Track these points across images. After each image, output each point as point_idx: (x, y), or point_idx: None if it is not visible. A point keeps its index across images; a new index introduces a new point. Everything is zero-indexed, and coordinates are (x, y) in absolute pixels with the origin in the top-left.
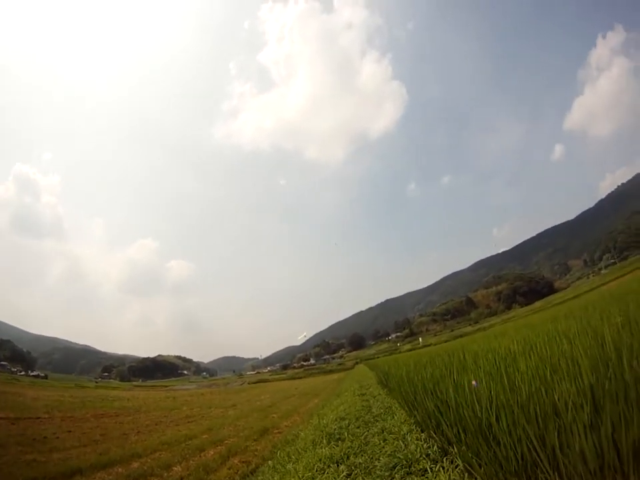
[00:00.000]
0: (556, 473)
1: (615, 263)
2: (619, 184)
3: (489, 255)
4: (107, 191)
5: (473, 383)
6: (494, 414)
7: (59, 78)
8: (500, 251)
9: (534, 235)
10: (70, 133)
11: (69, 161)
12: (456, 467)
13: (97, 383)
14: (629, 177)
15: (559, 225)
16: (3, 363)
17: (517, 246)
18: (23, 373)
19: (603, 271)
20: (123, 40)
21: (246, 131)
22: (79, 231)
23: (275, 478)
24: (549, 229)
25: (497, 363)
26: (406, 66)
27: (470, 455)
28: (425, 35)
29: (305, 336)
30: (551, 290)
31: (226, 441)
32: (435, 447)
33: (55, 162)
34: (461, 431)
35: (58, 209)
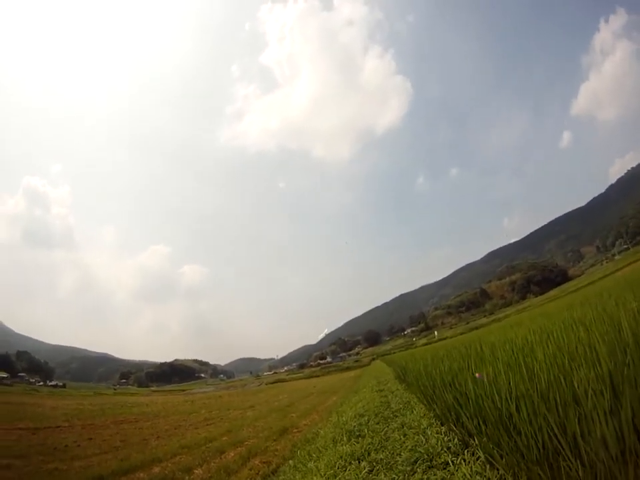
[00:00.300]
0: (578, 460)
1: (628, 249)
2: (629, 168)
3: (501, 246)
4: (117, 199)
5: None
6: (514, 404)
7: (61, 89)
8: (512, 241)
9: (545, 223)
10: (78, 143)
11: (77, 172)
12: (477, 459)
13: (115, 389)
14: (639, 161)
15: (570, 212)
16: (20, 374)
17: (529, 235)
18: (41, 383)
19: (616, 257)
20: (126, 49)
21: (251, 132)
22: (91, 241)
23: (297, 477)
24: (560, 217)
25: (515, 353)
26: (409, 60)
27: (491, 446)
28: (426, 27)
29: (326, 332)
30: (565, 278)
31: (246, 442)
32: (456, 439)
33: (64, 173)
34: (481, 422)
35: (68, 220)
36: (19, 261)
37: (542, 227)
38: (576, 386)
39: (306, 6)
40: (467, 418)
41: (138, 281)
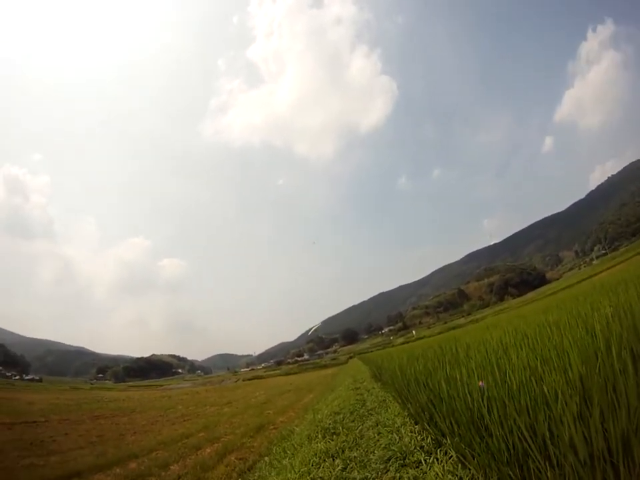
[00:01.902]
0: (547, 462)
1: (605, 254)
2: (609, 175)
3: (480, 247)
4: (98, 190)
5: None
6: (486, 406)
7: (44, 79)
8: (491, 243)
9: (525, 226)
10: (59, 134)
11: (58, 162)
12: (449, 459)
13: (91, 384)
14: (619, 169)
15: (550, 216)
16: None
17: (508, 238)
18: (17, 377)
19: (594, 262)
20: (108, 39)
21: (235, 127)
22: (70, 231)
23: (272, 473)
24: (540, 221)
25: (489, 354)
26: (395, 61)
27: (463, 446)
28: (414, 29)
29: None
30: (543, 281)
31: (222, 439)
32: (429, 438)
33: (45, 162)
34: (453, 422)
35: (48, 210)
36: None
37: (521, 230)
38: (546, 390)
39: (295, 2)
40: (440, 418)
41: (116, 274)
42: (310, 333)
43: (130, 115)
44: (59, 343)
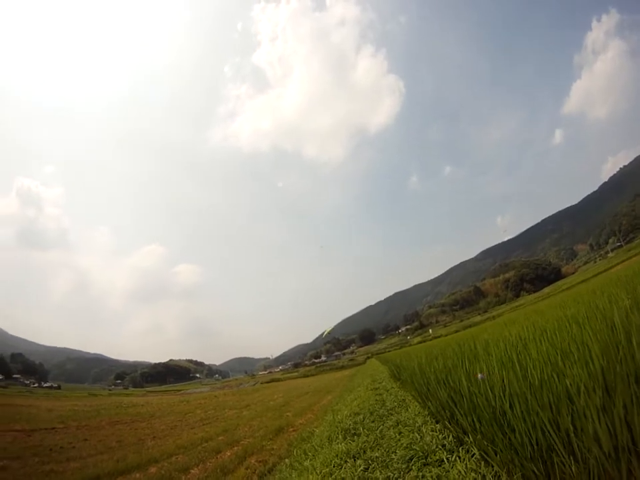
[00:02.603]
0: (571, 457)
1: (621, 246)
2: (621, 166)
3: (494, 244)
4: (111, 200)
5: (479, 375)
6: (507, 401)
7: (53, 90)
8: (505, 239)
9: (539, 221)
10: (71, 145)
11: (71, 173)
12: (472, 456)
13: (110, 390)
14: (631, 159)
15: (563, 210)
16: (15, 376)
17: (522, 233)
18: (36, 384)
19: (609, 255)
20: (118, 50)
21: (244, 133)
22: (85, 241)
23: (293, 475)
24: (553, 215)
25: (508, 350)
26: (401, 59)
27: (485, 443)
28: (418, 27)
29: (330, 332)
30: (559, 276)
31: (242, 442)
32: (450, 437)
33: (58, 174)
34: (475, 420)
35: (62, 220)
36: (13, 262)
37: (535, 225)
38: (568, 383)
39: (298, 6)
40: (462, 415)
41: (132, 281)
42: (324, 335)
43: (140, 126)
44: (78, 350)
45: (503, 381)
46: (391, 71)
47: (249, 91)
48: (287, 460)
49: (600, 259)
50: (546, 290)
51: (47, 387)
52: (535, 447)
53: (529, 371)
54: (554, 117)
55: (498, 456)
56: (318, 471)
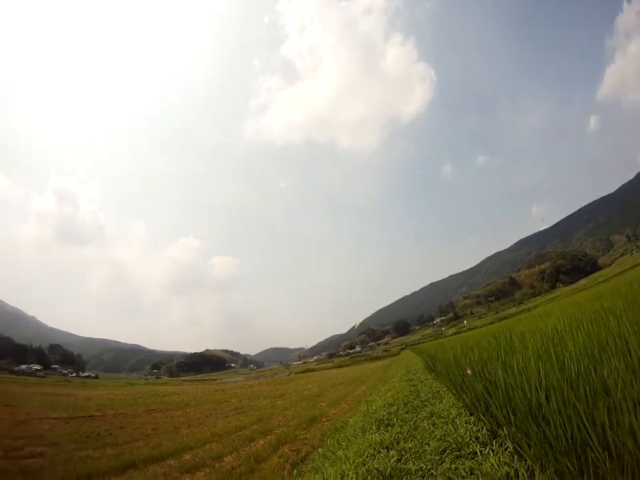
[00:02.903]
0: (605, 452)
1: None
2: None
3: (530, 234)
4: (146, 195)
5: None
6: (543, 394)
7: (85, 89)
8: (541, 229)
9: (574, 210)
10: (104, 143)
11: (107, 170)
12: (505, 450)
13: (146, 380)
14: None
15: (599, 199)
16: (54, 366)
17: (558, 223)
18: (74, 374)
19: None
20: (152, 51)
21: (276, 126)
22: (121, 235)
23: (326, 465)
24: (589, 204)
25: (544, 342)
26: (430, 47)
27: (520, 436)
28: (446, 13)
29: (361, 323)
30: (595, 267)
31: (275, 431)
32: (484, 429)
33: (92, 171)
34: (510, 412)
35: (98, 216)
36: (52, 257)
37: (571, 214)
38: (605, 376)
39: None
40: (497, 407)
41: (168, 274)
42: (356, 327)
43: (175, 122)
44: (115, 341)
45: (539, 373)
46: (420, 59)
47: (279, 83)
48: (319, 449)
49: (637, 251)
50: (582, 282)
51: (84, 376)
52: (570, 440)
53: (565, 363)
54: (588, 104)
55: (532, 450)
56: (351, 461)
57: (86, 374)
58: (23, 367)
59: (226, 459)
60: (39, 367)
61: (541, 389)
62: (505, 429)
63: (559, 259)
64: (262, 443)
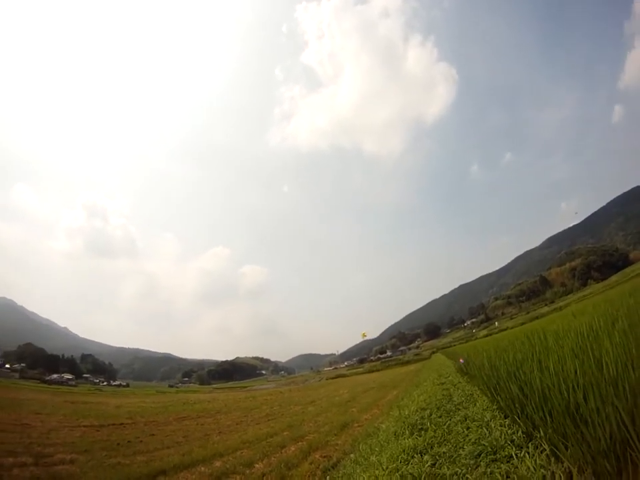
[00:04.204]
0: None
1: None
2: None
3: (558, 231)
4: (174, 207)
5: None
6: (581, 392)
7: (110, 106)
8: (570, 225)
9: (604, 204)
10: (133, 159)
11: (135, 184)
12: (542, 452)
13: (177, 388)
14: None
15: (628, 191)
16: (85, 375)
17: (587, 218)
18: (105, 383)
19: None
20: (178, 72)
21: (301, 133)
22: (152, 247)
23: (358, 471)
24: (618, 197)
25: (580, 341)
26: (450, 46)
27: (557, 437)
28: (463, 10)
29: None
30: (626, 262)
31: (306, 437)
32: (520, 432)
33: (121, 186)
34: (546, 413)
35: (129, 229)
36: (83, 270)
37: (600, 208)
38: None
39: (340, 1)
40: (532, 408)
41: (199, 283)
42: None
43: (201, 134)
44: (146, 350)
45: (576, 372)
46: (441, 58)
47: (302, 91)
48: (351, 455)
49: None
50: (613, 278)
51: (115, 385)
52: (609, 440)
53: (603, 361)
54: (611, 93)
55: (569, 451)
56: (384, 467)
57: (117, 383)
58: (55, 376)
59: (257, 465)
60: (70, 376)
61: (578, 388)
62: (541, 431)
63: (589, 255)
64: (293, 449)
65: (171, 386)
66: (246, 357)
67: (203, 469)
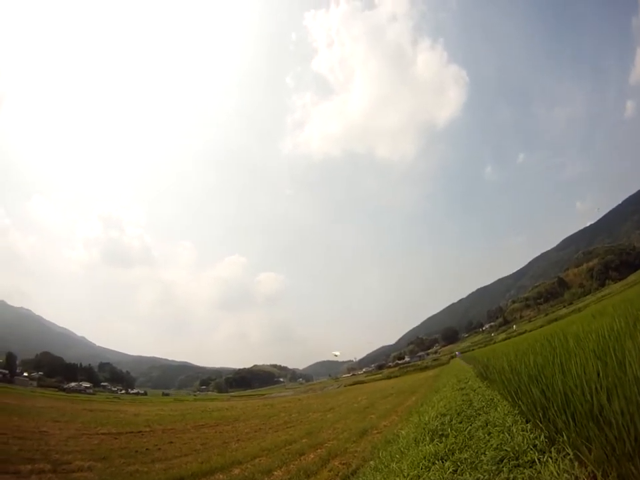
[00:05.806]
0: None
1: None
2: None
3: (575, 231)
4: (190, 216)
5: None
6: (605, 394)
7: (122, 114)
8: (587, 224)
9: (619, 202)
10: (147, 171)
11: (150, 195)
12: (565, 456)
13: (195, 395)
14: None
15: None
16: (103, 383)
17: (604, 217)
18: (123, 391)
19: None
20: (189, 79)
21: (314, 141)
22: (168, 256)
23: (378, 478)
24: (634, 194)
25: (602, 342)
26: (459, 48)
27: (580, 441)
28: (471, 12)
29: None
30: None
31: (325, 444)
32: (542, 436)
33: (136, 196)
34: (569, 416)
35: (145, 238)
36: (100, 280)
37: (616, 207)
38: None
39: (348, 8)
40: (555, 412)
41: (216, 291)
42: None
43: (216, 144)
44: (164, 359)
45: (599, 374)
46: (450, 61)
47: (313, 98)
48: (371, 462)
49: None
50: (631, 277)
51: (133, 393)
52: (634, 442)
53: (626, 362)
54: (622, 88)
55: (592, 454)
56: (405, 474)
57: (135, 391)
58: (73, 384)
59: (275, 473)
60: (88, 385)
61: (601, 390)
62: (564, 434)
63: (606, 254)
64: (312, 456)
65: (191, 394)
66: (263, 365)
67: (221, 476)
